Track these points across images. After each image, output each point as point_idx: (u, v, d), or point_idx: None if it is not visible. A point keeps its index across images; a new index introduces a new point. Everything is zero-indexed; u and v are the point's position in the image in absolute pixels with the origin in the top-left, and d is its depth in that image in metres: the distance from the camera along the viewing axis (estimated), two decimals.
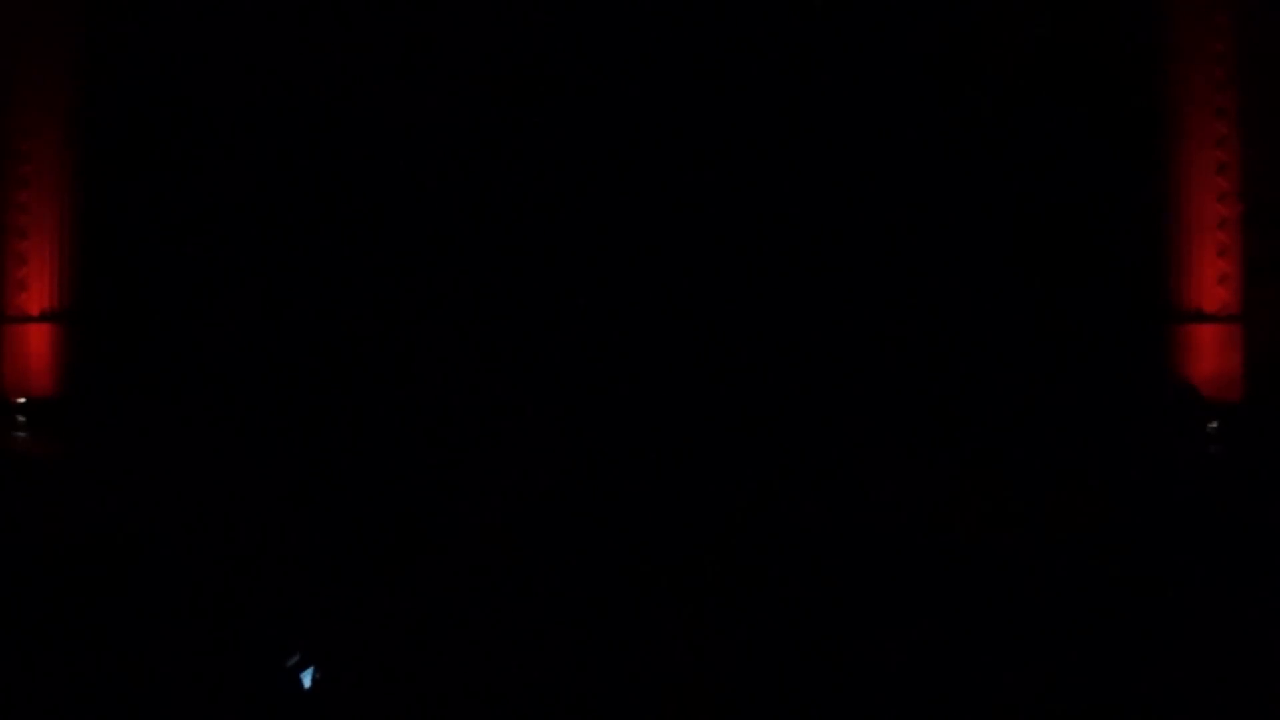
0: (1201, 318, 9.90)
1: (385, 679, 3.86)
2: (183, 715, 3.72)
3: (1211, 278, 9.95)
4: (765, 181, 11.18)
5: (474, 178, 11.15)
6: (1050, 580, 4.53)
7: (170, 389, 10.79)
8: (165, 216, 10.88)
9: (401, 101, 10.90)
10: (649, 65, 11.14)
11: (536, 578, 4.56)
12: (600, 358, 11.11)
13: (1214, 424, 9.34)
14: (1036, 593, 4.39)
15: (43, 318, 10.19)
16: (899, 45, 10.69)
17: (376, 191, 11.13)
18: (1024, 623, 4.20)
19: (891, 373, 12.17)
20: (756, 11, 11.03)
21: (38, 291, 10.21)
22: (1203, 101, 9.99)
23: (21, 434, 9.61)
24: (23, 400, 9.96)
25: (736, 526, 5.11)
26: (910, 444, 9.94)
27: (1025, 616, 4.25)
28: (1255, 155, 10.03)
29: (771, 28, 11.03)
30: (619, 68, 11.12)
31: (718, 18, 11.14)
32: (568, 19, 11.05)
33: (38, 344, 10.16)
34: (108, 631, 4.16)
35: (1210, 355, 9.83)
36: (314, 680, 3.76)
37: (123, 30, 10.59)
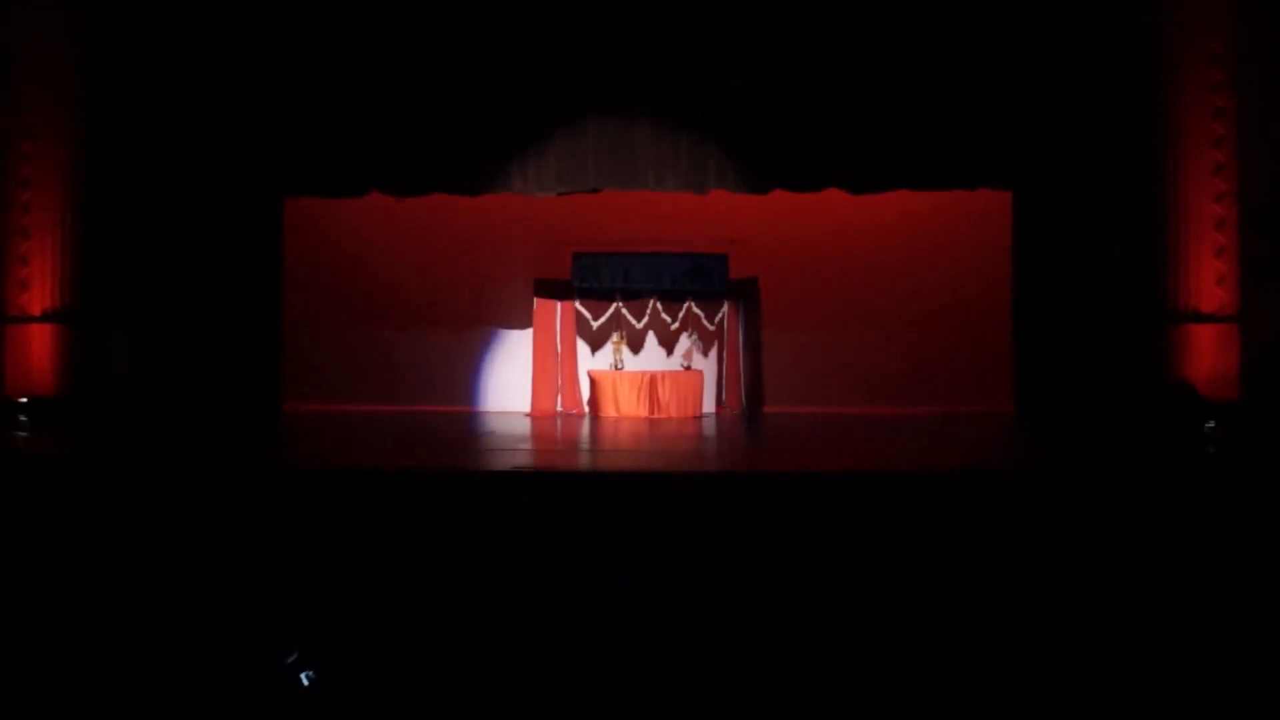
0: (1199, 318, 9.90)
1: (385, 679, 3.88)
2: (183, 713, 3.73)
3: (1209, 278, 9.94)
4: None
5: None
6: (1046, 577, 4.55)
7: (171, 388, 10.81)
8: (167, 218, 10.89)
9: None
10: None
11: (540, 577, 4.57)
12: None
13: (1211, 423, 9.36)
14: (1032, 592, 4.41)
15: (45, 318, 10.20)
16: (901, 55, 10.68)
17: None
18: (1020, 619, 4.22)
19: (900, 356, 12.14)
20: None
21: (40, 292, 10.22)
22: (1200, 102, 10.00)
23: (22, 434, 9.61)
24: (24, 400, 9.97)
25: None
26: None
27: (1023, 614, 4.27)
28: (1253, 156, 10.03)
29: None
30: None
31: None
32: None
33: (39, 344, 10.17)
34: (108, 630, 4.18)
35: (1208, 355, 9.83)
36: (312, 680, 3.78)
37: (125, 31, 10.60)
